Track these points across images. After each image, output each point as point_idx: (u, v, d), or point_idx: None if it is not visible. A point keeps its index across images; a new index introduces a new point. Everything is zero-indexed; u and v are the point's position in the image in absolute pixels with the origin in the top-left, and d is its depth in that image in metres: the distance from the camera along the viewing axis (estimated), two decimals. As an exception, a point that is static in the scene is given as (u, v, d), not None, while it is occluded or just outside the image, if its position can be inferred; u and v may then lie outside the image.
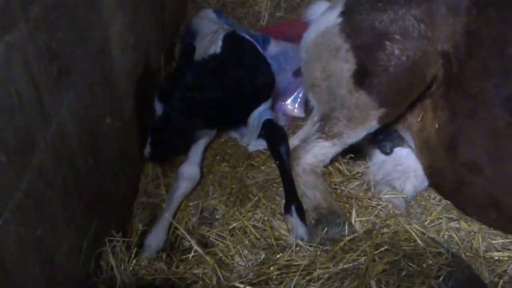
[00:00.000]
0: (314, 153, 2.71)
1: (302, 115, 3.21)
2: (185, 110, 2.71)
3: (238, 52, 2.89)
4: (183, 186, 2.67)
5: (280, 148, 2.76)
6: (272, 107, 3.11)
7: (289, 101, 3.24)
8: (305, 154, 2.71)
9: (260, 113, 2.95)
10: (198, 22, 3.48)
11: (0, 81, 1.42)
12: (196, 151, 2.85)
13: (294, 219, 2.51)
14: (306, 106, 3.11)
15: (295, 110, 3.22)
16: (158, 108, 2.80)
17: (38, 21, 1.62)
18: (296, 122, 3.24)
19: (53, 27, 1.73)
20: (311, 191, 2.61)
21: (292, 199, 2.58)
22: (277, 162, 2.77)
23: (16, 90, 1.49)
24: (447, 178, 2.59)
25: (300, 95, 3.22)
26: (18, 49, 1.50)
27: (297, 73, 3.19)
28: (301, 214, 2.53)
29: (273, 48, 3.43)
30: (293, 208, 2.53)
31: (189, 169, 2.74)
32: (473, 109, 2.44)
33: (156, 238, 2.43)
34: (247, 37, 3.06)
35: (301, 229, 2.47)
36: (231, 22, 3.65)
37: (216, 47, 2.91)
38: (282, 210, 2.60)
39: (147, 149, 2.71)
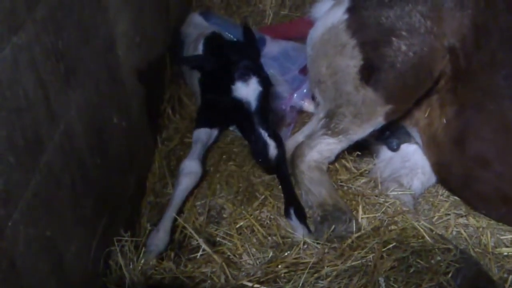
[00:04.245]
0: (319, 149, 2.70)
1: (313, 109, 3.17)
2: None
3: (219, 55, 2.77)
4: (184, 182, 2.63)
5: None
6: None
7: (297, 95, 3.22)
8: (310, 151, 2.70)
9: None
10: (184, 31, 3.48)
11: (8, 82, 1.42)
12: (196, 146, 2.82)
13: (293, 222, 2.51)
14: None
15: (306, 104, 3.20)
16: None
17: (44, 22, 1.63)
18: (302, 119, 3.23)
19: (60, 27, 1.73)
20: (316, 188, 2.60)
21: (290, 202, 2.57)
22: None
23: (23, 90, 1.50)
24: (455, 174, 2.58)
25: (306, 90, 3.20)
26: (25, 50, 1.51)
27: (304, 70, 3.18)
28: (301, 216, 2.52)
29: (273, 49, 3.41)
30: (291, 211, 2.53)
31: (189, 164, 2.70)
32: (481, 102, 2.43)
33: (159, 237, 2.41)
34: (230, 37, 3.03)
35: (302, 231, 2.46)
36: (222, 22, 3.59)
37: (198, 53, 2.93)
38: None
39: (274, 153, 2.45)
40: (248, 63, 2.59)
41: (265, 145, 2.43)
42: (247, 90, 2.52)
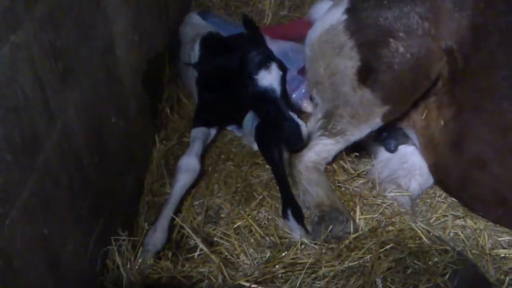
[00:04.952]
0: (317, 150, 2.71)
1: (311, 110, 3.17)
2: None
3: (217, 54, 2.77)
4: (182, 179, 2.63)
5: (272, 153, 2.73)
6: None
7: (295, 95, 3.21)
8: (307, 152, 2.70)
9: (252, 116, 2.92)
10: (182, 30, 3.48)
11: (6, 81, 1.42)
12: (194, 144, 2.82)
13: (291, 223, 2.51)
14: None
15: (305, 104, 3.20)
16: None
17: (43, 21, 1.63)
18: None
19: (58, 26, 1.73)
20: (313, 188, 2.61)
21: (288, 203, 2.57)
22: (271, 167, 2.75)
23: (21, 89, 1.50)
24: (453, 175, 2.59)
25: (305, 90, 3.20)
26: (23, 48, 1.51)
27: (302, 71, 3.19)
28: (298, 217, 2.52)
29: (272, 49, 3.41)
30: (289, 212, 2.53)
31: (187, 161, 2.70)
32: (480, 103, 2.43)
33: (156, 236, 2.41)
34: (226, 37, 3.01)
35: (299, 232, 2.46)
36: (220, 22, 3.59)
37: (194, 54, 2.91)
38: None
39: (306, 132, 2.53)
40: (262, 50, 2.59)
41: (297, 125, 2.47)
42: (271, 77, 2.53)
